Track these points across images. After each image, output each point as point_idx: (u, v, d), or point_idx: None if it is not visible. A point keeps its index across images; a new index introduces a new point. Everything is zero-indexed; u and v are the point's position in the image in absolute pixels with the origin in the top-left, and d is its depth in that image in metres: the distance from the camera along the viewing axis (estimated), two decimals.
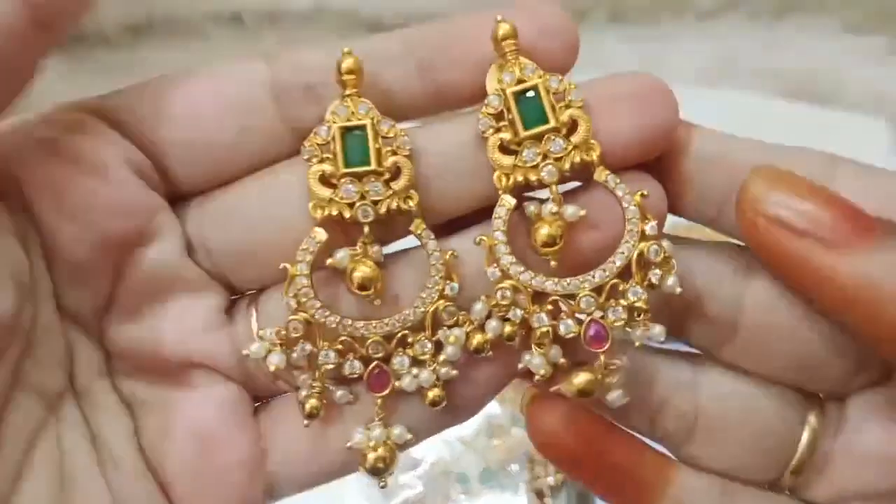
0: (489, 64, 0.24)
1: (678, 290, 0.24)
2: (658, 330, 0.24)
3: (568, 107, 0.23)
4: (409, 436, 0.25)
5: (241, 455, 0.25)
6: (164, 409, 0.25)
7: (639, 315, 0.23)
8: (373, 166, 0.23)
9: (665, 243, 0.24)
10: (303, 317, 0.24)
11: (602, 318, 0.23)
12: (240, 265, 0.25)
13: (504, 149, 0.23)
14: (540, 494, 0.54)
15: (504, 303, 0.23)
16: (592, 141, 0.23)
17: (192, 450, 0.25)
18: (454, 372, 0.24)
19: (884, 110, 0.76)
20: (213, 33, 0.73)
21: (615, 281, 0.23)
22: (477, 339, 0.24)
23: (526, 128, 0.23)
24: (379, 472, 0.24)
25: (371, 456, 0.24)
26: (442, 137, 0.24)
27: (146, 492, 0.24)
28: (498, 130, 0.23)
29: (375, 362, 0.24)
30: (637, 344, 0.24)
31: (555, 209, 0.23)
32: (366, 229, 0.24)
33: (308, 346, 0.24)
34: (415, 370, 0.24)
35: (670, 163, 0.24)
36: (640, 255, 0.23)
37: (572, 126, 0.23)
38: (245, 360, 0.25)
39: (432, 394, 0.24)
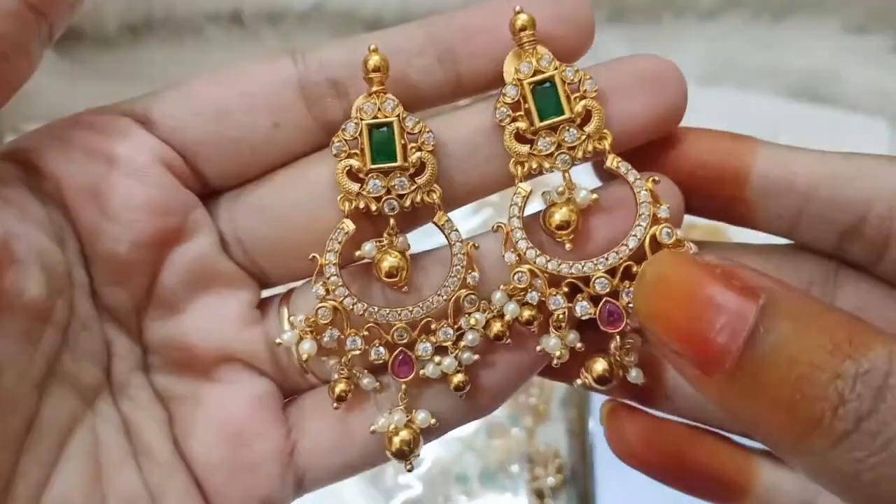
0: (507, 51, 0.25)
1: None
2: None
3: (582, 97, 0.24)
4: (433, 420, 0.25)
5: (272, 448, 0.26)
6: (198, 403, 0.26)
7: None
8: (399, 162, 0.24)
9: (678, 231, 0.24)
10: (331, 304, 0.25)
11: (616, 299, 0.24)
12: (274, 257, 0.26)
13: (520, 137, 0.25)
14: (540, 495, 0.54)
15: (521, 286, 0.24)
16: (605, 130, 0.24)
17: (225, 443, 0.26)
18: (475, 356, 0.25)
19: (884, 110, 0.76)
20: (212, 33, 0.73)
21: (629, 263, 0.24)
22: (496, 326, 0.25)
23: (542, 118, 0.24)
24: (404, 454, 0.25)
25: (396, 439, 0.25)
26: (459, 126, 0.25)
27: (180, 483, 0.25)
28: (514, 120, 0.24)
29: (400, 348, 0.25)
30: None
31: (563, 195, 0.24)
32: (391, 221, 0.25)
33: (336, 332, 0.25)
34: (437, 357, 0.25)
35: (733, 187, 0.25)
36: (653, 237, 0.24)
37: (586, 116, 0.24)
38: (277, 355, 0.26)
39: (457, 379, 0.25)
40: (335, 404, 0.25)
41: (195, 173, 0.26)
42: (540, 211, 0.26)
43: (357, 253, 0.25)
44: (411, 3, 0.70)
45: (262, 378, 0.27)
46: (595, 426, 0.54)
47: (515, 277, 0.25)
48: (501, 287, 0.25)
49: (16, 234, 0.22)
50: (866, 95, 0.77)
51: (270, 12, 0.73)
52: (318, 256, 0.25)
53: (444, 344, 0.25)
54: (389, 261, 0.25)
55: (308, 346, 0.25)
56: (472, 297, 0.25)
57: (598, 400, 0.56)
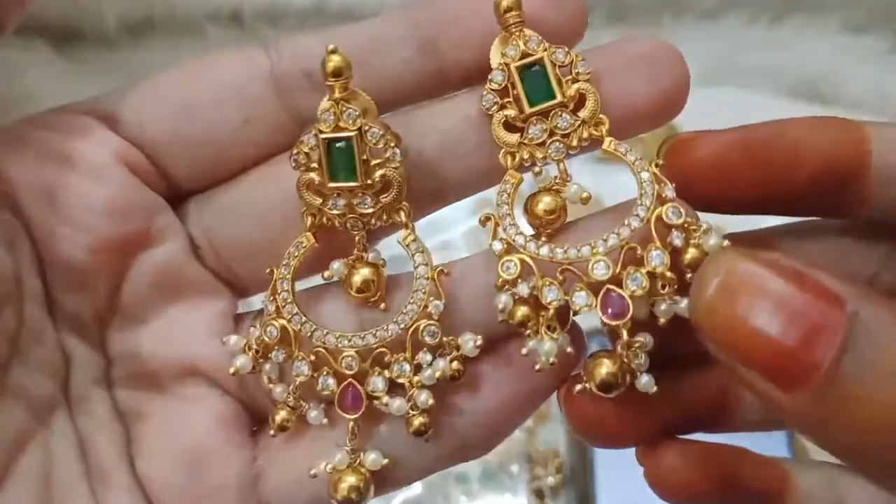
0: (493, 39, 0.23)
1: (725, 243, 0.21)
2: (685, 303, 0.21)
3: (575, 80, 0.22)
4: (385, 461, 0.23)
5: (233, 476, 0.24)
6: (157, 421, 0.24)
7: (663, 286, 0.21)
8: (359, 182, 0.22)
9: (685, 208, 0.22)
10: (280, 323, 0.23)
11: (619, 286, 0.21)
12: (248, 262, 0.24)
13: (509, 126, 0.23)
14: (540, 495, 0.54)
15: (509, 276, 0.22)
16: (601, 115, 0.22)
17: (184, 466, 0.24)
18: (431, 401, 0.22)
19: (884, 110, 0.76)
20: (212, 33, 0.73)
21: (631, 246, 0.22)
22: (452, 366, 0.22)
23: (532, 104, 0.22)
24: (351, 502, 0.22)
25: (343, 486, 0.22)
26: (444, 117, 0.24)
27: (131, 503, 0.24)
28: (503, 107, 0.22)
29: (348, 381, 0.23)
30: (662, 320, 0.22)
31: (558, 183, 0.23)
32: (358, 238, 0.23)
33: (281, 355, 0.23)
34: (386, 398, 0.22)
35: (849, 180, 0.22)
36: (659, 217, 0.22)
37: (580, 100, 0.22)
38: (247, 377, 0.24)
39: (416, 422, 0.22)
40: (273, 433, 0.23)
41: (161, 174, 0.24)
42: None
43: (325, 274, 0.23)
44: (411, 2, 0.70)
45: (229, 398, 0.25)
46: None
47: (504, 267, 0.22)
48: (497, 285, 0.22)
49: None
50: (866, 95, 0.77)
51: (270, 12, 0.73)
52: (274, 270, 0.23)
53: (400, 380, 0.23)
54: (361, 274, 0.23)
55: (241, 363, 0.23)
56: (433, 328, 0.22)
57: None
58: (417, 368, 0.23)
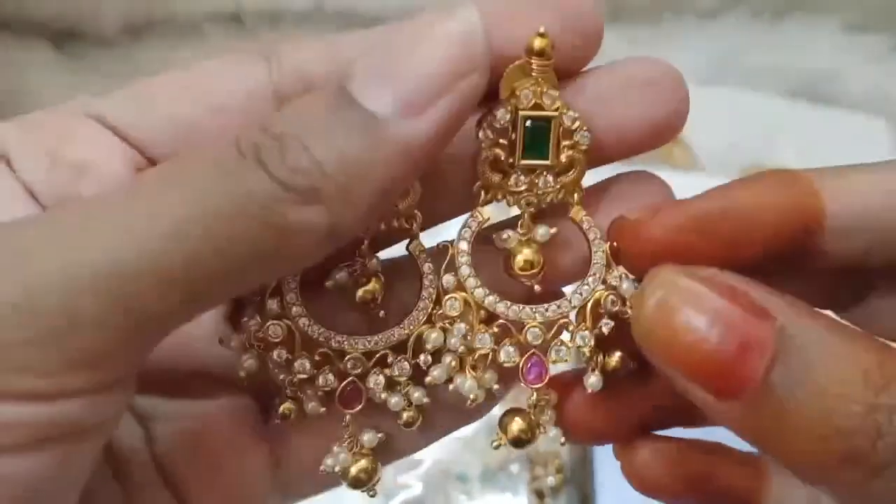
0: (506, 63, 0.22)
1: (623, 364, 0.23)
2: (594, 380, 0.23)
3: (572, 147, 0.23)
4: (381, 435, 0.24)
5: (254, 464, 0.25)
6: (177, 420, 0.25)
7: (586, 361, 0.23)
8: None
9: (626, 286, 0.23)
10: (286, 324, 0.23)
11: (545, 354, 0.23)
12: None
13: (495, 165, 0.23)
14: (540, 495, 0.54)
15: (451, 314, 0.23)
16: (579, 186, 0.23)
17: (205, 460, 0.25)
18: (426, 399, 0.24)
19: (884, 110, 0.76)
20: (212, 33, 0.73)
21: (565, 321, 0.23)
22: (406, 415, 0.24)
23: (524, 157, 0.23)
24: (361, 482, 0.24)
25: (353, 469, 0.24)
26: None
27: (161, 501, 0.24)
28: (496, 145, 0.23)
29: (350, 378, 0.23)
30: (589, 391, 0.23)
31: (524, 235, 0.23)
32: (364, 244, 0.23)
33: (284, 353, 0.23)
34: (384, 395, 0.23)
35: (801, 239, 0.22)
36: (597, 302, 0.23)
37: (568, 167, 0.23)
38: (255, 372, 0.24)
39: (406, 415, 0.24)
40: (277, 420, 0.24)
41: None
42: (493, 236, 0.24)
43: (328, 283, 0.24)
44: (411, 2, 0.70)
45: (241, 394, 0.25)
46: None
47: (447, 304, 0.23)
48: (436, 320, 0.23)
49: None
50: (866, 95, 0.77)
51: (270, 12, 0.73)
52: None
53: (399, 379, 0.23)
54: (367, 287, 0.23)
55: (249, 364, 0.23)
56: (435, 335, 0.23)
57: None
58: (417, 368, 0.23)
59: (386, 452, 0.25)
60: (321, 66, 0.23)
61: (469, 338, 0.23)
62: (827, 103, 0.77)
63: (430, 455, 0.54)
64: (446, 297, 0.23)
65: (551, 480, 0.54)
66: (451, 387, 0.23)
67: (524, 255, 0.23)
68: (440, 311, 0.23)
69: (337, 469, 0.24)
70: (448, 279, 0.23)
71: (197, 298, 0.18)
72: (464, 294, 0.23)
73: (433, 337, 0.23)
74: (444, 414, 0.25)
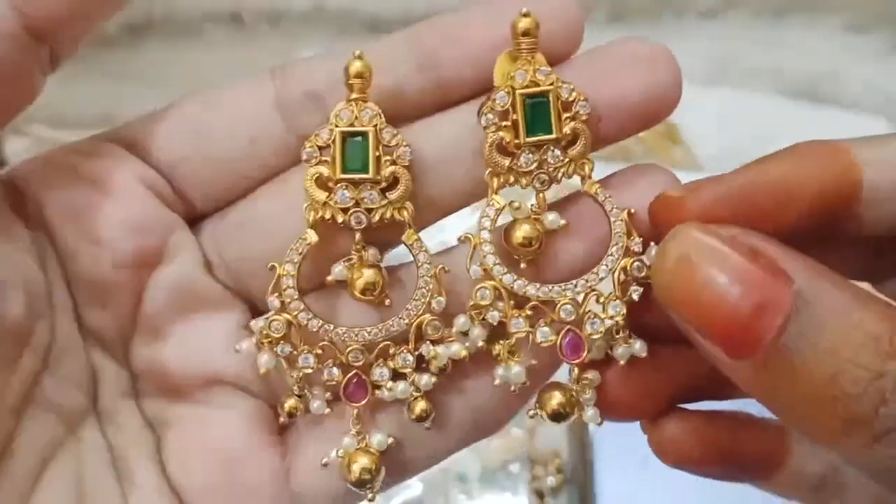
0: (491, 57, 0.23)
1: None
2: (639, 346, 0.24)
3: (573, 118, 0.23)
4: (391, 439, 0.24)
5: (265, 473, 0.25)
6: (187, 428, 0.25)
7: (617, 332, 0.23)
8: (370, 174, 0.23)
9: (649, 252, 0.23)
10: (285, 318, 0.24)
11: (580, 328, 0.23)
12: (258, 275, 0.25)
13: (502, 148, 0.23)
14: (540, 495, 0.54)
15: (483, 303, 0.23)
16: (588, 157, 0.23)
17: (216, 468, 0.25)
18: (433, 379, 0.24)
19: (884, 110, 0.76)
20: (212, 33, 0.73)
21: (596, 293, 0.23)
22: (419, 406, 0.24)
23: (529, 134, 0.23)
24: (364, 482, 0.24)
25: (355, 466, 0.23)
26: (444, 125, 0.24)
27: None
28: (499, 129, 0.23)
29: (354, 371, 0.24)
30: (622, 362, 0.24)
31: (535, 214, 0.24)
32: (357, 236, 0.24)
33: (287, 348, 0.24)
34: (391, 383, 0.24)
35: (837, 210, 0.22)
36: (623, 269, 0.23)
37: (573, 139, 0.23)
38: (269, 378, 0.25)
39: (418, 408, 0.24)
40: (282, 419, 0.25)
41: (179, 194, 0.25)
42: (503, 225, 0.24)
43: (328, 279, 0.24)
44: (411, 2, 0.70)
45: (254, 400, 0.25)
46: (595, 426, 0.54)
47: (478, 294, 0.23)
48: (467, 312, 0.24)
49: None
50: (866, 95, 0.77)
51: (270, 12, 0.73)
52: (276, 265, 0.24)
53: (403, 370, 0.24)
54: (364, 276, 0.24)
55: (266, 360, 0.24)
56: (436, 323, 0.24)
57: None
58: (419, 359, 0.24)
59: (398, 462, 0.25)
60: (321, 70, 0.24)
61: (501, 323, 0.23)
62: (827, 103, 0.77)
63: None
64: (476, 287, 0.23)
65: (551, 480, 0.54)
66: (496, 381, 0.23)
67: (523, 231, 0.23)
68: (471, 303, 0.23)
69: (340, 455, 0.24)
70: (475, 269, 0.23)
71: None
72: (492, 282, 0.23)
73: (461, 322, 0.23)
74: (459, 417, 0.25)
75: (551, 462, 0.55)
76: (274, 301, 0.24)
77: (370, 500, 0.24)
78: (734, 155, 0.71)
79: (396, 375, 0.24)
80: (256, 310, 0.26)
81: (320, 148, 0.23)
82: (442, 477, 0.53)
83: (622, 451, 0.54)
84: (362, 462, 0.23)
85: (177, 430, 0.25)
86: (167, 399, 0.25)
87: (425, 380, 0.24)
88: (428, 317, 0.24)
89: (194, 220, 0.26)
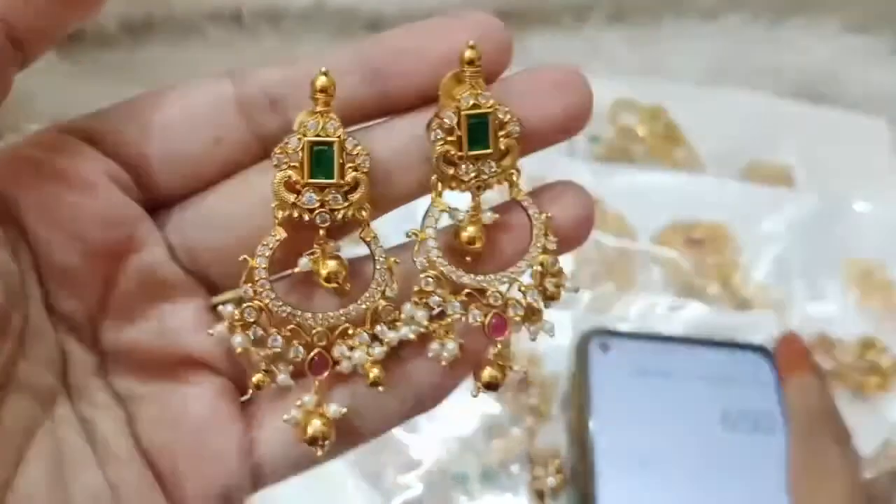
0: (435, 71, 0.27)
1: (575, 289, 0.29)
2: (549, 325, 0.28)
3: (507, 136, 0.27)
4: (344, 409, 0.27)
5: (231, 443, 0.27)
6: (157, 402, 0.27)
7: (534, 315, 0.28)
8: (335, 180, 0.27)
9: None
10: (257, 304, 0.27)
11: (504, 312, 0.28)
12: (219, 265, 0.28)
13: (447, 159, 0.27)
14: (540, 495, 0.54)
15: (427, 289, 0.27)
16: (517, 167, 0.28)
17: (185, 437, 0.27)
18: (385, 349, 0.27)
19: (884, 110, 0.76)
20: (212, 33, 0.73)
21: (518, 283, 0.28)
22: (373, 372, 0.27)
23: (470, 148, 0.27)
24: (315, 440, 0.27)
25: (310, 428, 0.27)
26: (393, 133, 0.28)
27: (139, 476, 0.26)
28: (446, 143, 0.27)
29: (317, 349, 0.27)
30: (532, 338, 0.28)
31: (473, 216, 0.28)
32: (321, 232, 0.27)
33: (259, 331, 0.27)
34: (349, 353, 0.27)
35: None
36: (542, 265, 0.28)
37: (505, 152, 0.28)
38: (233, 355, 0.27)
39: (372, 374, 0.27)
40: (250, 392, 0.27)
41: (143, 187, 0.27)
42: (448, 226, 0.28)
43: (296, 270, 0.27)
44: (411, 2, 0.70)
45: (220, 377, 0.28)
46: (595, 426, 0.54)
47: (423, 281, 0.27)
48: (412, 300, 0.27)
49: None
50: (867, 96, 0.77)
51: (270, 12, 0.73)
52: (248, 259, 0.27)
53: (360, 348, 0.27)
54: (328, 266, 0.27)
55: (240, 340, 0.27)
56: (389, 308, 0.27)
57: (598, 401, 0.56)
58: (374, 338, 0.27)
59: (351, 429, 0.28)
60: (279, 76, 0.27)
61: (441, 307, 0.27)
62: (828, 104, 0.77)
63: (430, 455, 0.54)
64: (421, 275, 0.27)
65: (551, 480, 0.54)
66: (430, 353, 0.27)
67: (469, 231, 0.28)
68: (416, 288, 0.27)
69: (298, 407, 0.27)
70: (420, 261, 0.27)
71: None
72: (434, 272, 0.27)
73: (407, 308, 0.27)
74: (404, 391, 0.28)
75: (551, 462, 0.55)
76: (248, 291, 0.27)
77: (319, 457, 0.27)
78: (734, 155, 0.71)
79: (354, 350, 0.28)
80: (216, 293, 0.28)
81: (289, 154, 0.27)
82: (441, 477, 0.53)
83: (622, 450, 0.54)
84: (315, 424, 0.27)
85: (147, 404, 0.27)
86: (137, 377, 0.27)
87: (378, 350, 0.27)
88: (382, 303, 0.27)
89: (155, 209, 0.28)
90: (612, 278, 0.62)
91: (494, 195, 0.29)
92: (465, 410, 0.56)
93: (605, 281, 0.62)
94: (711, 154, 0.70)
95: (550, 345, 0.55)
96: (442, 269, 0.27)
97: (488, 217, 0.28)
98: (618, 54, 0.76)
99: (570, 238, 0.28)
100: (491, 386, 0.28)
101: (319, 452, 0.27)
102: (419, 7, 0.69)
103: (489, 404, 0.56)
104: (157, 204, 0.28)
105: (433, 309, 0.27)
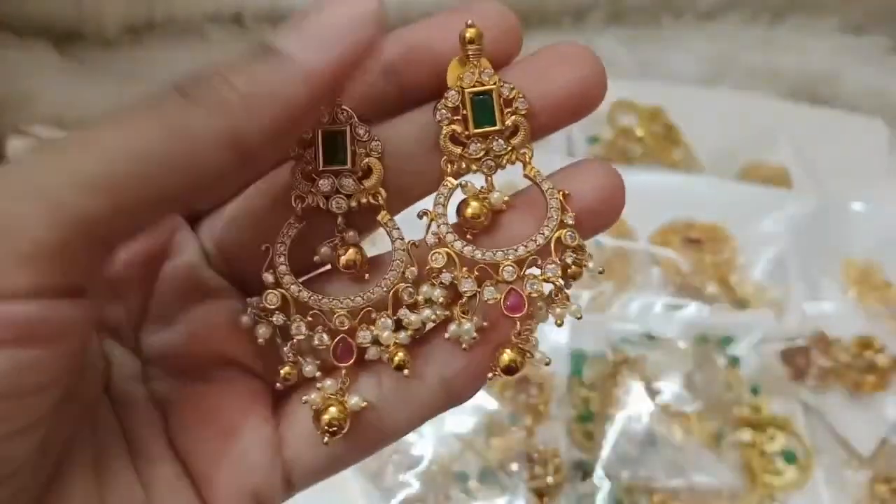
0: (447, 63, 0.27)
1: (599, 269, 0.27)
2: (575, 307, 0.27)
3: (514, 113, 0.27)
4: (364, 403, 0.27)
5: (262, 441, 0.27)
6: (192, 404, 0.28)
7: (556, 294, 0.27)
8: (348, 166, 0.27)
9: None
10: (280, 291, 0.27)
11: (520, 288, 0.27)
12: (251, 262, 0.28)
13: (454, 139, 0.27)
14: (539, 494, 0.54)
15: (437, 266, 0.27)
16: (529, 145, 0.27)
17: (218, 437, 0.27)
18: (410, 332, 0.27)
19: (883, 110, 0.76)
20: (213, 33, 0.73)
21: (535, 257, 0.27)
22: (399, 356, 0.27)
23: (476, 126, 0.27)
24: (331, 426, 0.27)
25: (325, 416, 0.27)
26: (403, 130, 0.28)
27: (173, 477, 0.27)
28: (452, 123, 0.27)
29: (341, 335, 0.27)
30: (557, 322, 0.27)
31: (482, 193, 0.27)
32: (339, 219, 0.27)
33: (282, 318, 0.27)
34: (374, 348, 0.27)
35: None
36: (558, 239, 0.27)
37: (514, 130, 0.27)
38: (266, 356, 0.28)
39: (397, 358, 0.27)
40: (279, 385, 0.28)
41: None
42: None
43: (315, 258, 0.27)
44: (411, 3, 0.70)
45: (254, 378, 0.28)
46: (594, 425, 0.54)
47: (432, 258, 0.27)
48: (425, 274, 0.27)
49: None
50: (865, 96, 0.77)
51: (271, 13, 0.74)
52: (269, 246, 0.27)
53: (382, 334, 0.27)
54: (347, 254, 0.27)
55: (263, 331, 0.27)
56: (410, 290, 0.27)
57: (597, 401, 0.56)
58: (398, 323, 0.27)
59: (372, 426, 0.27)
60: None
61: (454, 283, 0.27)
62: (826, 104, 0.77)
63: (430, 453, 0.54)
64: (430, 252, 0.27)
65: (550, 480, 0.54)
66: (447, 335, 0.27)
67: (472, 207, 0.27)
68: (427, 267, 0.27)
69: (321, 389, 0.27)
70: (430, 238, 0.27)
71: (124, 209, 0.21)
72: (445, 249, 0.27)
73: (424, 289, 0.27)
74: (430, 384, 0.27)
75: (551, 461, 0.55)
76: (268, 277, 0.27)
77: (325, 444, 0.27)
78: (733, 155, 0.71)
79: (376, 341, 0.27)
80: (252, 296, 0.28)
81: (305, 146, 0.27)
82: (441, 476, 0.54)
83: (621, 450, 0.54)
84: (331, 411, 0.27)
85: (183, 406, 0.28)
86: (174, 379, 0.28)
87: (402, 335, 0.27)
88: (402, 285, 0.27)
89: (193, 219, 0.29)
90: (610, 278, 0.62)
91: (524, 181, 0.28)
92: (465, 409, 0.56)
93: (603, 280, 0.62)
94: (710, 154, 0.71)
95: (549, 344, 0.55)
96: (452, 244, 0.27)
97: (497, 198, 0.27)
98: (617, 55, 0.77)
99: (597, 214, 0.27)
100: (510, 370, 0.27)
101: (326, 439, 0.27)
102: (419, 8, 0.70)
103: (489, 403, 0.56)
104: (197, 214, 0.28)
105: (446, 286, 0.27)
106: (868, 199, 0.67)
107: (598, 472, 0.55)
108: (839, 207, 0.67)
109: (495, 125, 0.27)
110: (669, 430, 0.56)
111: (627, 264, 0.63)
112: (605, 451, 0.55)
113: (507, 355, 0.27)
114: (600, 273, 0.28)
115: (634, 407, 0.57)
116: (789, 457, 0.56)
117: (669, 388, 0.58)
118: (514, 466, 0.55)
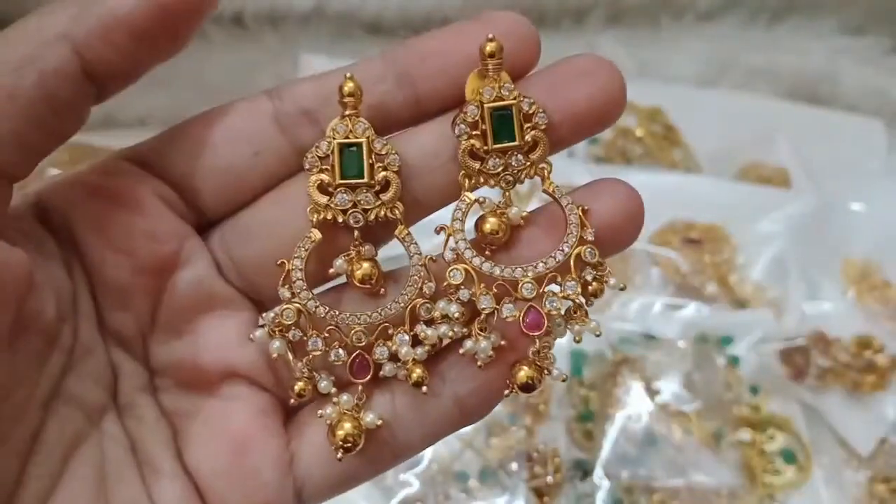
0: (463, 73, 0.27)
1: (620, 286, 0.27)
2: (594, 324, 0.27)
3: (533, 128, 0.27)
4: (380, 421, 0.27)
5: (273, 457, 0.27)
6: (201, 417, 0.27)
7: (575, 311, 0.26)
8: (365, 179, 0.26)
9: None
10: (295, 306, 0.27)
11: (540, 305, 0.26)
12: (263, 275, 0.27)
13: (473, 154, 0.27)
14: (539, 493, 0.54)
15: (455, 283, 0.26)
16: (547, 160, 0.27)
17: (227, 452, 0.27)
18: (427, 347, 0.27)
19: (882, 110, 0.76)
20: (213, 34, 0.73)
21: (554, 274, 0.26)
22: (416, 372, 0.26)
23: (496, 141, 0.27)
24: (346, 442, 0.26)
25: (339, 432, 0.26)
26: (420, 141, 0.27)
27: (181, 491, 0.27)
28: (471, 137, 0.26)
29: (358, 351, 0.27)
30: (576, 339, 0.27)
31: (499, 208, 0.27)
32: (356, 233, 0.27)
33: (298, 333, 0.27)
34: (390, 365, 0.27)
35: None
36: (578, 255, 0.26)
37: (533, 145, 0.27)
38: (278, 371, 0.27)
39: (415, 374, 0.26)
40: (293, 401, 0.27)
41: (190, 206, 0.27)
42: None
43: (331, 271, 0.27)
44: (411, 4, 0.70)
45: (264, 392, 0.28)
46: (594, 425, 0.54)
47: (450, 274, 0.26)
48: (443, 289, 0.26)
49: (35, 264, 0.24)
50: (864, 96, 0.77)
51: (272, 14, 0.74)
52: (285, 262, 0.27)
53: (401, 349, 0.27)
54: (362, 268, 0.27)
55: (277, 346, 0.27)
56: (428, 305, 0.27)
57: (596, 400, 0.56)
58: (415, 339, 0.27)
59: (387, 443, 0.27)
60: (313, 89, 0.27)
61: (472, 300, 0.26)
62: (824, 104, 0.77)
63: (429, 453, 0.54)
64: (449, 269, 0.26)
65: (550, 479, 0.54)
66: (461, 350, 0.26)
67: (491, 223, 0.27)
68: (445, 283, 0.26)
69: (337, 406, 0.27)
70: (448, 254, 0.27)
71: None
72: (463, 265, 0.26)
73: (441, 305, 0.26)
74: (445, 403, 0.27)
75: (551, 461, 0.55)
76: (284, 292, 0.27)
77: (339, 460, 0.27)
78: (732, 155, 0.71)
79: (393, 357, 0.27)
80: (264, 308, 0.28)
81: (320, 158, 0.27)
82: (441, 475, 0.54)
83: (620, 450, 0.55)
84: (345, 427, 0.26)
85: (192, 420, 0.27)
86: (183, 392, 0.28)
87: (420, 351, 0.27)
88: (420, 300, 0.27)
89: (204, 228, 0.28)
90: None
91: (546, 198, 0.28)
92: None
93: None
94: (709, 154, 0.71)
95: None
96: (471, 260, 0.26)
97: (515, 213, 0.27)
98: (616, 56, 0.77)
99: (616, 233, 0.27)
100: (527, 388, 0.26)
101: (340, 455, 0.26)
102: (419, 10, 0.70)
103: None
104: (206, 221, 0.28)
105: (464, 303, 0.26)
106: (867, 199, 0.67)
107: (598, 472, 0.55)
108: (838, 207, 0.67)
109: (514, 141, 0.27)
110: (669, 429, 0.56)
111: (627, 264, 0.63)
112: (605, 450, 0.55)
113: (524, 372, 0.26)
114: (622, 290, 0.27)
115: (634, 407, 0.57)
116: (788, 456, 0.56)
117: (669, 387, 0.58)
118: (514, 466, 0.55)
